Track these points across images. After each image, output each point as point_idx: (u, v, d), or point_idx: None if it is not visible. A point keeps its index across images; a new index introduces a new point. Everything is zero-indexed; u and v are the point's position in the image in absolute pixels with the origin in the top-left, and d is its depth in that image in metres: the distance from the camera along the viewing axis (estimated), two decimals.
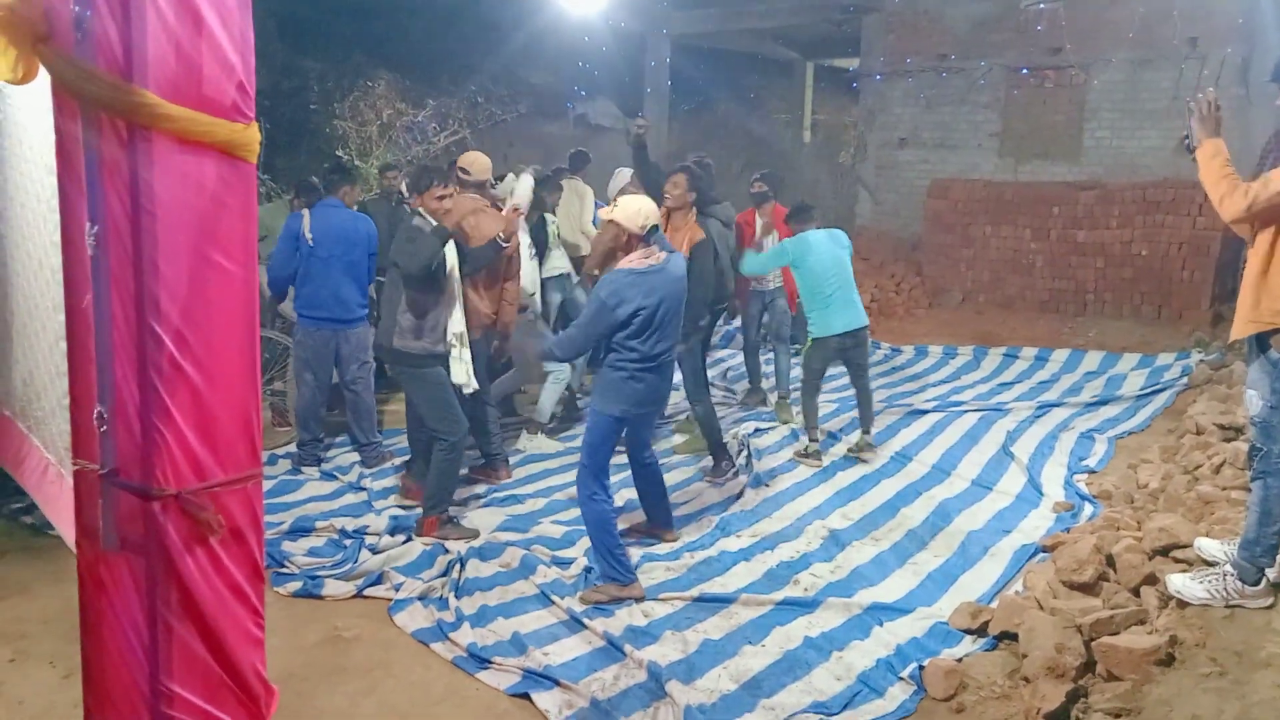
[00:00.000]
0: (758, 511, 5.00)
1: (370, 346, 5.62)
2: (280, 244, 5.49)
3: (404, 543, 4.52)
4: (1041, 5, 10.25)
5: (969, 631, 3.69)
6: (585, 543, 4.50)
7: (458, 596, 4.01)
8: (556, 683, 3.36)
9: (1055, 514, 4.93)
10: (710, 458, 5.59)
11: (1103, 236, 9.79)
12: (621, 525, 4.41)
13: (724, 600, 4.00)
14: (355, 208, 5.92)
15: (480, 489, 5.37)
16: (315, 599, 4.05)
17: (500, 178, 6.70)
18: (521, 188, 5.72)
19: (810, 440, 5.83)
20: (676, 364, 4.42)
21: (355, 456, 5.79)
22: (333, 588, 4.10)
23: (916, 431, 6.43)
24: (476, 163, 5.29)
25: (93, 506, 2.12)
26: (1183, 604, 3.39)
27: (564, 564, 4.34)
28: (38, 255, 2.78)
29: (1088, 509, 4.91)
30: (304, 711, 3.22)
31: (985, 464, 5.74)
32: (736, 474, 5.53)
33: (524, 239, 5.79)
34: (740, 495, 5.22)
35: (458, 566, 4.24)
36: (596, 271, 4.32)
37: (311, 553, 4.45)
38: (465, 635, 3.68)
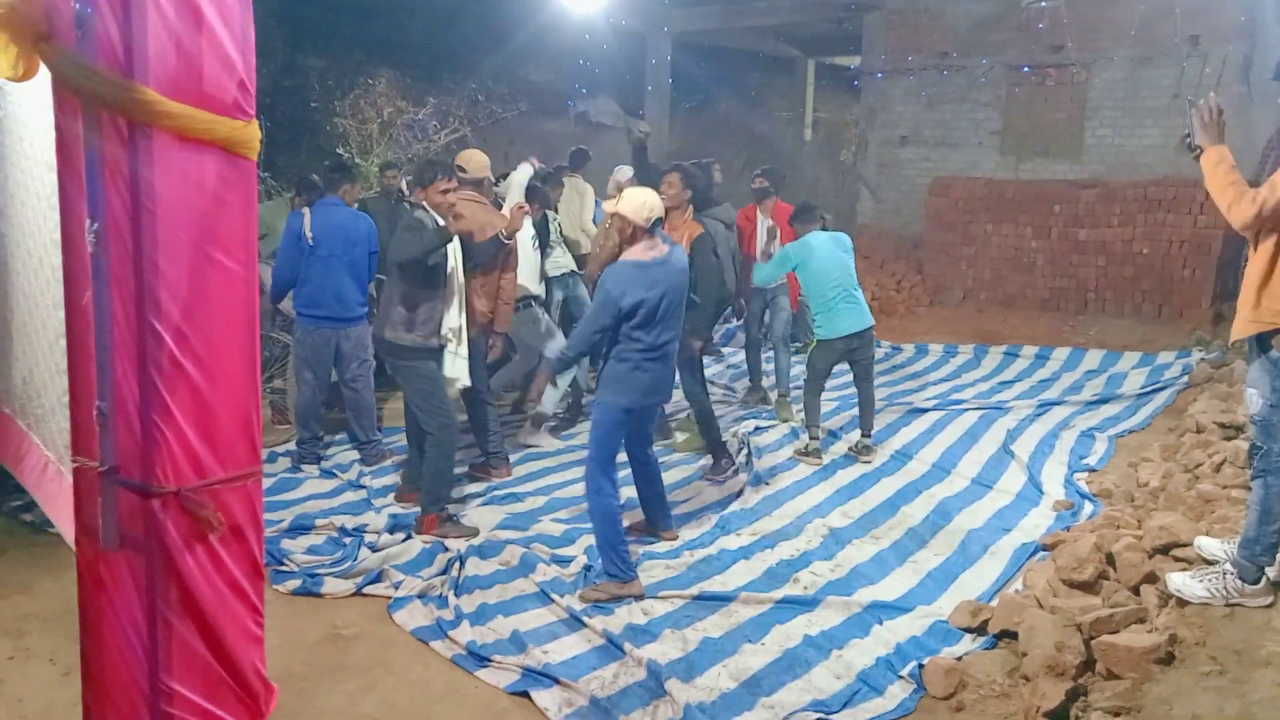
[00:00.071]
0: (758, 510, 5.00)
1: (370, 345, 5.62)
2: (284, 244, 5.48)
3: (403, 541, 4.52)
4: (1043, 3, 10.23)
5: (969, 630, 3.69)
6: (585, 541, 4.51)
7: (457, 594, 4.01)
8: (556, 681, 3.36)
9: (1055, 512, 4.93)
10: (710, 456, 5.59)
11: (1104, 235, 9.79)
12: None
13: (724, 598, 4.00)
14: (355, 206, 5.92)
15: (480, 487, 5.37)
16: (315, 597, 4.04)
17: (504, 176, 6.70)
18: (519, 176, 5.69)
19: (811, 438, 5.83)
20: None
21: (355, 455, 5.79)
22: (332, 586, 4.10)
23: (917, 430, 6.43)
24: (473, 160, 5.30)
25: (92, 504, 2.12)
26: (1183, 602, 3.39)
27: (564, 562, 4.34)
28: (38, 253, 2.78)
29: (1088, 507, 4.91)
30: (303, 709, 3.22)
31: (985, 462, 5.74)
32: (736, 472, 5.53)
33: (528, 230, 5.80)
34: (740, 493, 5.22)
35: (457, 564, 4.24)
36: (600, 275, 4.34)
37: (311, 551, 4.45)
38: (465, 633, 3.68)
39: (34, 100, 2.51)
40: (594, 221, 7.37)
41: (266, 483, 4.98)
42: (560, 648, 3.61)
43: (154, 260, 2.02)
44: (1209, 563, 3.57)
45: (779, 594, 4.03)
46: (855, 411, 6.09)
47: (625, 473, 4.65)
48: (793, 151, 15.52)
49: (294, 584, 4.12)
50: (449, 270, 4.68)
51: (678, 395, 5.95)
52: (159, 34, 1.96)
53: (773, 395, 6.92)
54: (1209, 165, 3.24)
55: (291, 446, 5.84)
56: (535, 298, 6.03)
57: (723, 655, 3.55)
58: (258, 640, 2.32)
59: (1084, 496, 5.07)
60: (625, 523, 4.63)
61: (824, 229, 5.89)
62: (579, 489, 5.32)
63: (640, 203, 3.99)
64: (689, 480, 5.53)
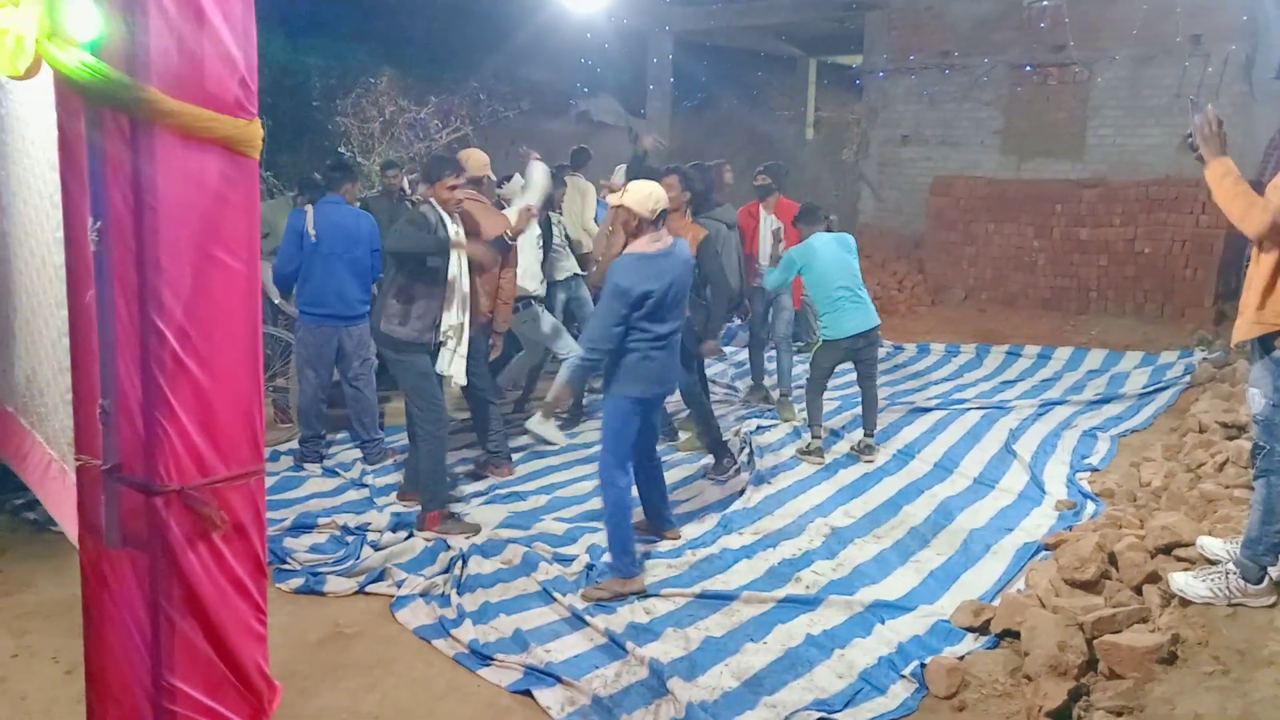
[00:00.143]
0: (760, 509, 4.99)
1: (372, 343, 5.63)
2: (285, 241, 5.50)
3: (406, 539, 4.52)
4: (1044, 2, 10.23)
5: (971, 629, 3.69)
6: (587, 540, 4.51)
7: (459, 593, 4.01)
8: (558, 680, 3.36)
9: (1057, 512, 4.92)
10: (711, 455, 5.58)
11: (1105, 234, 9.78)
12: None
13: (726, 597, 4.00)
14: (357, 204, 5.93)
15: (482, 485, 5.37)
16: (317, 595, 4.05)
17: (508, 178, 6.68)
18: (538, 174, 5.53)
19: (813, 437, 5.83)
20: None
21: (357, 453, 5.79)
22: (335, 584, 4.10)
23: (919, 429, 6.42)
24: (472, 159, 5.30)
25: (95, 502, 2.12)
26: (1185, 602, 3.39)
27: (566, 561, 4.34)
28: (40, 251, 2.78)
29: (1090, 507, 4.90)
30: (306, 708, 3.22)
31: (988, 462, 5.74)
32: (738, 471, 5.53)
33: (533, 230, 5.79)
34: (742, 492, 5.21)
35: (460, 563, 4.24)
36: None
37: (313, 549, 4.45)
38: (467, 632, 3.68)
39: (36, 98, 2.51)
40: (595, 221, 7.36)
41: (269, 481, 4.96)
42: (562, 646, 3.61)
43: (156, 258, 2.02)
44: (1211, 562, 3.57)
45: (781, 593, 4.03)
46: (857, 411, 6.09)
47: None
48: (794, 150, 15.49)
49: (296, 582, 4.12)
50: (452, 273, 4.68)
51: (678, 395, 5.95)
52: (161, 32, 1.96)
53: (774, 395, 6.92)
54: (1215, 178, 3.22)
55: (294, 445, 5.85)
56: (535, 297, 6.02)
57: (725, 654, 3.55)
58: (260, 638, 2.32)
59: (1086, 496, 5.07)
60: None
61: (828, 230, 5.88)
62: (581, 488, 5.33)
63: (645, 194, 4.01)
64: (691, 479, 5.53)
